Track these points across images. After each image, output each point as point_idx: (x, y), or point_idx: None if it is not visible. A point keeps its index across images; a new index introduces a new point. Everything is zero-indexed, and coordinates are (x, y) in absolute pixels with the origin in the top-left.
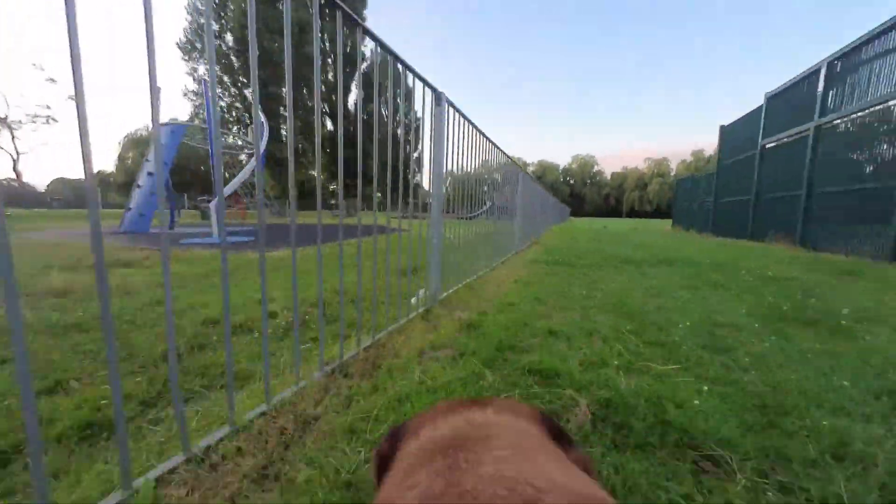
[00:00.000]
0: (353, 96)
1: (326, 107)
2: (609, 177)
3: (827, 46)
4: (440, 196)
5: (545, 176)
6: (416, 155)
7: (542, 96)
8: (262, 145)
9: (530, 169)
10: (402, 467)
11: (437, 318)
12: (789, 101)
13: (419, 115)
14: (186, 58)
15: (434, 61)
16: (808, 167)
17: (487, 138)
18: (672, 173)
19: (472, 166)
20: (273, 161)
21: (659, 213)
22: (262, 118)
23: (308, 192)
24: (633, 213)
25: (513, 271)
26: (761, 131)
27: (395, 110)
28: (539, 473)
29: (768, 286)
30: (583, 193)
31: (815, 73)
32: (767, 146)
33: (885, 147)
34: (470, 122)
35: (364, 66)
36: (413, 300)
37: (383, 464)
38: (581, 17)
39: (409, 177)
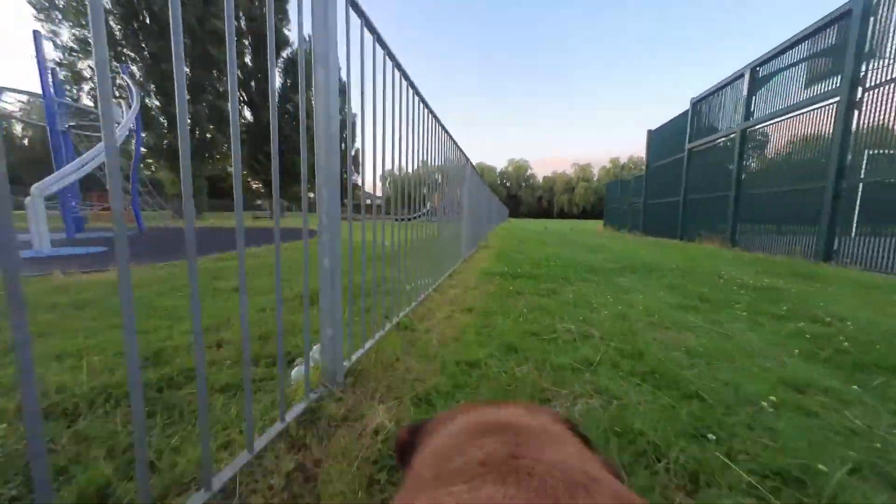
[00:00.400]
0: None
1: (245, 95)
2: (541, 180)
3: (747, 54)
4: (333, 173)
5: (484, 177)
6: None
7: (473, 102)
8: (129, 121)
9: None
10: (443, 444)
11: (330, 432)
12: (713, 106)
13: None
14: (42, 17)
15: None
16: (736, 169)
17: (431, 112)
18: (595, 178)
19: (415, 152)
20: (172, 153)
21: (585, 213)
22: (130, 84)
23: (224, 191)
24: (562, 214)
25: (464, 292)
26: (688, 135)
27: None
28: (580, 462)
29: (765, 301)
30: (518, 195)
31: (739, 77)
32: (695, 149)
33: (807, 152)
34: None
35: (288, 50)
36: (293, 374)
37: (404, 451)
38: (504, 29)
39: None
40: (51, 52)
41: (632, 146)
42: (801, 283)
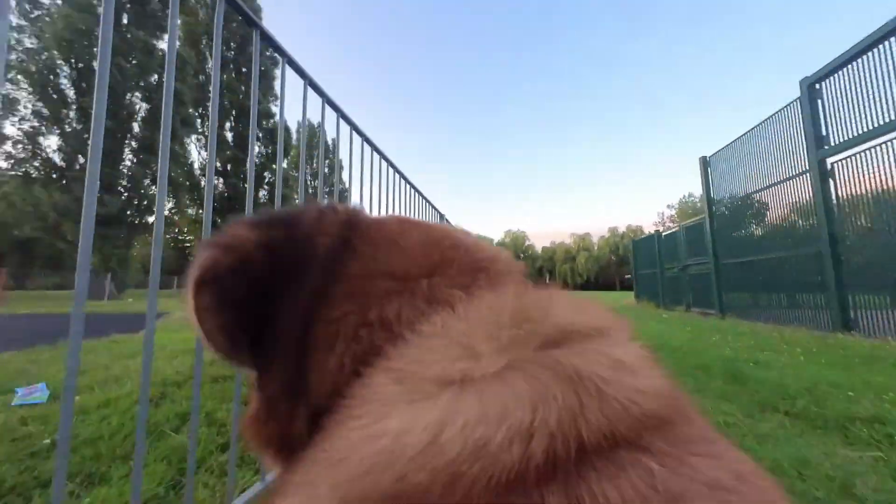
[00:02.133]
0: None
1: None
2: (540, 250)
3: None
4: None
5: None
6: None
7: (465, 173)
8: None
9: None
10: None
11: None
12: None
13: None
14: None
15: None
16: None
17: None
18: (595, 247)
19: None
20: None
21: (589, 284)
22: None
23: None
24: (565, 285)
25: None
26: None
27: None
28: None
29: None
30: None
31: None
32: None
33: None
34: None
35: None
36: None
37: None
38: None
39: None
40: None
41: (628, 216)
42: None
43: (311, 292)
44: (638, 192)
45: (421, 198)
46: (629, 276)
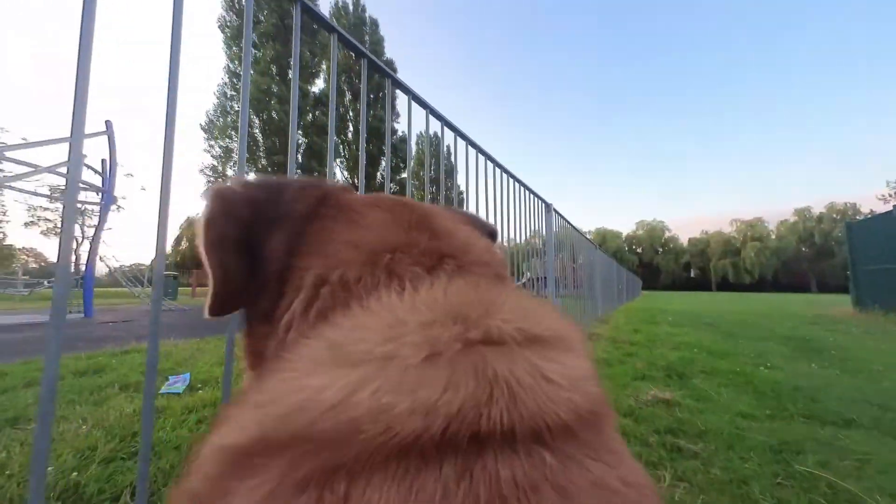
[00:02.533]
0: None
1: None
2: (686, 242)
3: None
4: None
5: (606, 243)
6: None
7: (591, 163)
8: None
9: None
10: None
11: None
12: None
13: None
14: (207, 136)
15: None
16: None
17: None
18: (772, 236)
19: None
20: None
21: (764, 283)
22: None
23: None
24: (726, 286)
25: None
26: None
27: None
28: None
29: None
30: (654, 263)
31: None
32: None
33: None
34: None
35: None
36: None
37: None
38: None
39: None
40: (208, 160)
41: (831, 190)
42: None
43: (285, 244)
44: (848, 157)
45: (522, 187)
46: (848, 272)
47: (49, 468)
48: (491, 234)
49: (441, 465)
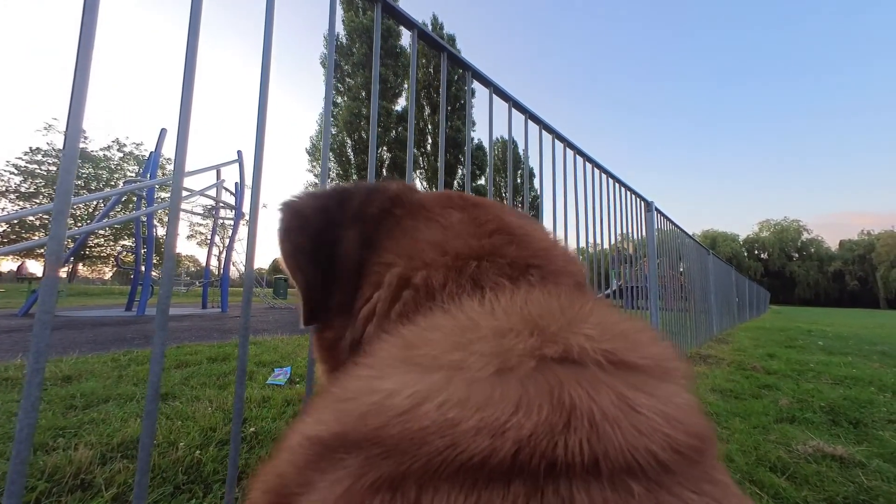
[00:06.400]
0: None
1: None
2: (835, 246)
3: None
4: None
5: (717, 248)
6: None
7: (698, 160)
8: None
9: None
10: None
11: None
12: None
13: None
14: (310, 158)
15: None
16: None
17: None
18: None
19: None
20: None
21: None
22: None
23: None
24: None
25: None
26: None
27: None
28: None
29: None
30: (787, 271)
31: None
32: None
33: None
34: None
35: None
36: None
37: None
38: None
39: None
40: (311, 178)
41: None
42: None
43: (359, 242)
44: None
45: (617, 184)
46: None
47: (181, 443)
48: None
49: (510, 483)
